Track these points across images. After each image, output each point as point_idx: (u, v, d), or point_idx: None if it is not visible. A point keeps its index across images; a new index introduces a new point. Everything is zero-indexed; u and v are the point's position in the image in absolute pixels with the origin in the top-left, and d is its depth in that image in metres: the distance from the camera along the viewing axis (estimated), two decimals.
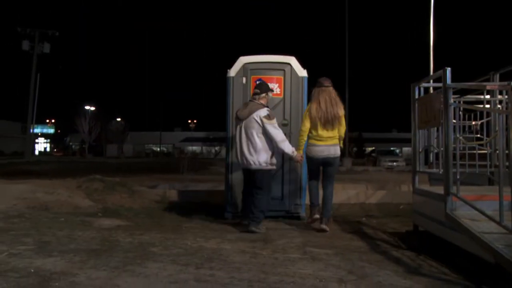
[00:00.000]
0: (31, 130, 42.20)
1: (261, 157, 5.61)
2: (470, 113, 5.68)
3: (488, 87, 5.10)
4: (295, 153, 5.76)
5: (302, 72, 6.60)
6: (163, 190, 8.82)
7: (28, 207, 6.54)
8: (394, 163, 31.38)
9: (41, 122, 65.09)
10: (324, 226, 5.63)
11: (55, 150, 73.36)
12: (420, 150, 5.22)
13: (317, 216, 5.83)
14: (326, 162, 5.89)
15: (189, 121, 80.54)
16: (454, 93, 4.62)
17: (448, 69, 4.10)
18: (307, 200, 6.51)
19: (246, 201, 5.87)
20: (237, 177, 6.30)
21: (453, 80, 4.15)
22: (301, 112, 6.50)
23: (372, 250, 4.58)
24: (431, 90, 5.87)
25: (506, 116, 4.16)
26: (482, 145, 5.33)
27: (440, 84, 4.40)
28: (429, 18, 15.17)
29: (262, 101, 5.78)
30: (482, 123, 5.60)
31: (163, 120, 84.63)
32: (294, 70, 6.58)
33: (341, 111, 5.89)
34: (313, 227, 5.83)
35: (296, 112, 6.56)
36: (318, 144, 5.82)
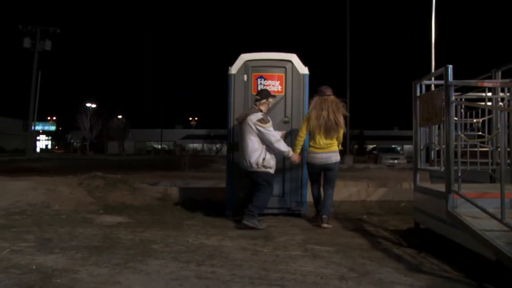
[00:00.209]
0: (33, 128, 42.21)
1: (252, 159, 5.73)
2: (471, 110, 5.67)
3: (489, 85, 5.10)
4: (291, 152, 5.91)
5: (304, 70, 6.59)
6: (164, 187, 8.83)
7: (30, 204, 6.55)
8: (395, 161, 31.35)
9: (42, 119, 65.33)
10: (325, 225, 5.72)
11: (56, 147, 73.56)
12: (422, 147, 5.21)
13: (318, 223, 5.93)
14: (326, 168, 6.05)
15: (190, 119, 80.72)
16: (455, 91, 4.62)
17: (450, 67, 4.10)
18: (308, 198, 6.53)
19: (247, 200, 5.95)
20: (238, 174, 6.30)
21: (454, 78, 4.15)
22: (302, 110, 6.51)
23: (373, 248, 4.58)
24: (433, 88, 5.86)
25: (508, 114, 4.16)
26: (483, 142, 5.33)
27: (441, 82, 4.40)
28: (430, 15, 15.15)
29: (263, 107, 5.90)
30: (483, 121, 5.59)
31: (164, 117, 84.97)
32: (296, 67, 6.57)
33: (341, 119, 6.00)
34: (314, 225, 5.89)
35: (297, 109, 6.55)
36: (318, 152, 5.98)
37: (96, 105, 63.38)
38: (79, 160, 28.67)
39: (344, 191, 8.60)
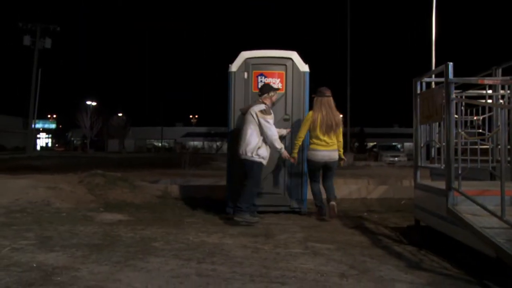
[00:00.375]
0: (33, 125, 42.22)
1: (248, 147, 5.82)
2: (472, 108, 5.66)
3: (490, 82, 5.09)
4: (283, 149, 5.98)
5: (304, 67, 6.58)
6: (165, 185, 8.83)
7: (30, 202, 6.55)
8: (396, 158, 31.36)
9: (42, 117, 65.18)
10: (333, 203, 6.07)
11: (56, 145, 73.50)
12: (422, 145, 5.21)
13: (324, 217, 6.13)
14: (327, 166, 6.25)
15: (191, 116, 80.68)
16: (456, 88, 4.61)
17: (450, 64, 4.09)
18: (308, 196, 6.53)
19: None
20: (238, 172, 6.29)
21: (455, 75, 4.14)
22: (303, 107, 6.52)
23: (374, 245, 4.58)
24: (433, 85, 5.86)
25: (508, 111, 4.16)
26: (483, 140, 5.32)
27: (442, 79, 4.39)
28: (431, 13, 15.12)
29: (266, 101, 5.98)
30: (484, 118, 5.58)
31: (165, 115, 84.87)
32: (296, 65, 6.56)
33: (340, 119, 6.32)
34: (319, 218, 6.07)
35: (298, 107, 6.55)
36: (320, 149, 6.16)
37: (96, 103, 63.41)
38: (79, 158, 28.67)
39: (345, 189, 8.60)
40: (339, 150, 6.31)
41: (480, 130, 5.63)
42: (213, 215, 6.30)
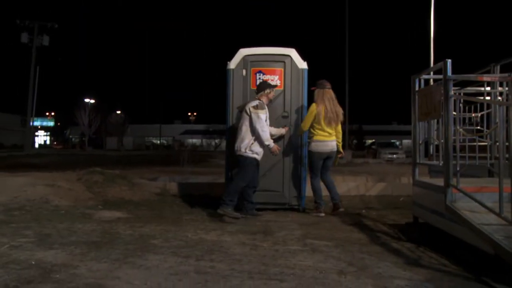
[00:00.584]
0: (31, 123, 42.18)
1: (242, 143, 5.89)
2: (470, 105, 5.67)
3: (488, 79, 5.09)
4: (272, 144, 5.99)
5: (302, 64, 6.58)
6: (163, 182, 8.83)
7: (29, 199, 6.54)
8: (394, 155, 31.35)
9: (40, 115, 65.01)
10: (342, 210, 6.27)
11: (55, 143, 73.36)
12: (420, 142, 5.22)
13: (323, 214, 6.20)
14: (329, 156, 6.36)
15: (189, 114, 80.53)
16: (454, 85, 4.62)
17: (449, 61, 4.09)
18: (307, 193, 6.54)
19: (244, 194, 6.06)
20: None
21: (453, 72, 4.15)
22: (302, 104, 6.52)
23: (372, 242, 4.59)
24: (432, 82, 5.87)
25: (507, 108, 4.15)
26: (482, 137, 5.33)
27: (440, 76, 4.39)
28: (430, 9, 15.13)
29: (263, 99, 6.03)
30: (482, 115, 5.59)
31: (163, 112, 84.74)
32: (294, 62, 6.56)
33: (341, 111, 6.44)
34: (328, 212, 6.24)
35: (296, 104, 6.55)
36: (325, 140, 6.28)
37: (95, 100, 63.29)
38: (77, 156, 28.65)
39: (343, 186, 8.60)
40: (338, 142, 6.45)
41: (478, 127, 5.64)
42: (211, 212, 6.30)
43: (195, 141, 69.20)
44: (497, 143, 4.98)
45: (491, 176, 5.16)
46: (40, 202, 6.50)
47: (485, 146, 5.28)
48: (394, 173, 11.60)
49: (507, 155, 4.36)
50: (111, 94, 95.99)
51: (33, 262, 3.65)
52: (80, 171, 8.39)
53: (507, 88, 5.17)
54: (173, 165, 16.23)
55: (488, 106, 5.46)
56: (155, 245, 4.31)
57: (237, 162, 6.06)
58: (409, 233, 4.91)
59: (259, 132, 5.84)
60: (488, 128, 5.53)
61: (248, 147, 5.87)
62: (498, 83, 5.37)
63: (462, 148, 5.01)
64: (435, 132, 5.34)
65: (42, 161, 20.12)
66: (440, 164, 4.78)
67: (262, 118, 5.86)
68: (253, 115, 5.85)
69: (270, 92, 6.09)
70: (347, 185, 8.74)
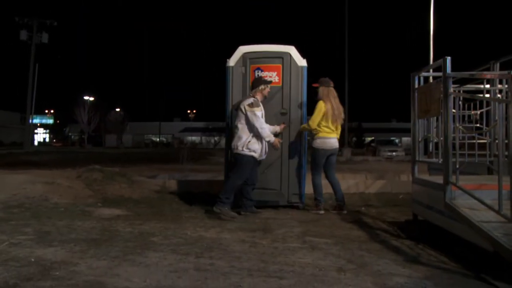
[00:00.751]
0: (30, 121, 42.15)
1: (239, 142, 5.89)
2: (469, 102, 5.66)
3: (488, 76, 5.09)
4: (272, 139, 6.01)
5: (302, 62, 6.56)
6: (163, 180, 8.83)
7: (28, 197, 6.55)
8: (394, 153, 31.36)
9: (40, 112, 65.05)
10: (345, 212, 6.25)
11: (54, 140, 73.39)
12: (420, 139, 5.22)
13: (322, 212, 6.21)
14: (333, 153, 6.45)
15: (189, 111, 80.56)
16: (454, 83, 4.61)
17: (448, 58, 4.09)
18: (306, 190, 6.54)
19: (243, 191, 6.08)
20: None
21: (453, 70, 4.14)
22: (301, 101, 6.50)
23: (372, 239, 4.59)
24: (431, 80, 5.86)
25: (506, 105, 4.16)
26: (481, 134, 5.33)
27: (440, 74, 4.39)
28: (429, 7, 15.10)
29: (257, 96, 6.03)
30: (481, 113, 5.59)
31: (163, 110, 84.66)
32: (294, 59, 6.53)
33: (343, 109, 6.56)
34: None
35: (296, 101, 6.53)
36: (330, 137, 6.36)
37: (94, 98, 63.20)
38: (77, 153, 28.63)
39: (343, 183, 8.54)
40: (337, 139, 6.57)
41: (478, 125, 5.64)
42: (211, 210, 6.30)
43: (195, 138, 69.14)
44: (497, 141, 4.98)
45: (491, 173, 5.16)
46: (40, 199, 6.50)
47: (485, 143, 5.28)
48: (393, 171, 11.63)
49: (506, 153, 4.36)
50: (110, 92, 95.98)
51: (33, 260, 3.65)
52: (80, 168, 8.39)
53: (506, 86, 5.18)
54: (173, 163, 16.26)
55: (488, 104, 5.46)
56: (155, 243, 4.32)
57: (234, 160, 6.06)
58: (409, 230, 4.91)
59: (258, 130, 5.84)
60: (487, 125, 5.53)
61: (245, 145, 5.86)
62: (497, 81, 5.37)
63: (462, 146, 5.01)
64: (435, 129, 5.34)
65: (42, 158, 20.12)
66: (440, 162, 4.78)
67: (259, 116, 5.85)
68: (249, 114, 5.84)
69: (264, 89, 6.07)
70: (347, 183, 8.73)
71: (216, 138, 60.69)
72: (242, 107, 5.90)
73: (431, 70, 5.45)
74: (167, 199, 7.24)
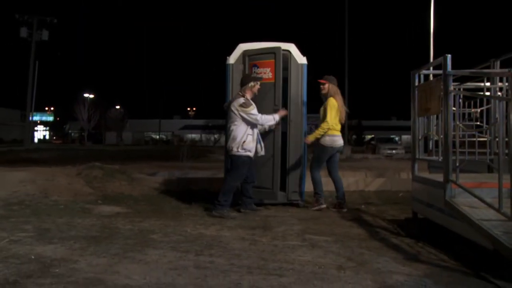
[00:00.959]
0: (30, 118, 42.07)
1: (234, 143, 5.83)
2: (470, 100, 5.66)
3: (488, 74, 5.08)
4: (277, 116, 5.99)
5: (302, 59, 6.54)
6: (163, 177, 8.83)
7: (28, 194, 6.55)
8: (394, 151, 31.33)
9: (40, 109, 64.96)
10: (345, 210, 6.22)
11: (54, 137, 73.32)
12: (420, 137, 5.21)
13: (324, 205, 6.26)
14: (339, 150, 6.48)
15: (188, 109, 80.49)
16: (454, 80, 4.61)
17: (449, 56, 4.09)
18: (306, 188, 6.53)
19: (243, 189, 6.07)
20: None
21: (453, 67, 4.14)
22: (301, 99, 6.48)
23: (371, 237, 4.60)
24: (431, 78, 5.85)
25: (506, 103, 4.15)
26: (481, 132, 5.33)
27: (440, 71, 4.39)
28: (429, 5, 15.07)
29: (247, 94, 5.90)
30: (482, 111, 5.59)
31: (162, 107, 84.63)
32: (294, 57, 6.52)
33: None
34: (314, 209, 6.12)
35: (296, 98, 6.51)
36: (338, 135, 6.38)
37: (94, 95, 63.25)
38: (77, 151, 28.61)
39: (342, 181, 8.58)
40: None
41: (478, 123, 5.64)
42: (210, 207, 6.30)
43: (194, 136, 69.21)
44: (497, 139, 4.98)
45: (491, 171, 5.16)
46: (40, 197, 6.50)
47: (485, 141, 5.28)
48: (393, 169, 11.60)
49: (506, 151, 4.36)
50: (110, 89, 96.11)
51: (33, 257, 3.65)
52: (80, 166, 8.38)
53: (507, 84, 5.18)
54: (172, 160, 16.24)
55: (488, 102, 5.46)
56: (155, 240, 4.32)
57: (230, 161, 6.01)
58: (409, 228, 4.92)
59: (265, 122, 5.89)
60: (487, 123, 5.53)
61: (240, 145, 5.78)
62: (498, 78, 5.36)
63: (462, 144, 5.01)
64: (435, 127, 5.34)
65: (42, 156, 20.11)
66: (440, 160, 4.78)
67: (256, 113, 5.79)
68: (245, 116, 5.75)
69: (254, 86, 5.92)
70: (347, 181, 8.71)
71: (216, 136, 60.63)
72: (234, 109, 5.79)
73: (431, 68, 5.44)
74: (167, 197, 7.24)
